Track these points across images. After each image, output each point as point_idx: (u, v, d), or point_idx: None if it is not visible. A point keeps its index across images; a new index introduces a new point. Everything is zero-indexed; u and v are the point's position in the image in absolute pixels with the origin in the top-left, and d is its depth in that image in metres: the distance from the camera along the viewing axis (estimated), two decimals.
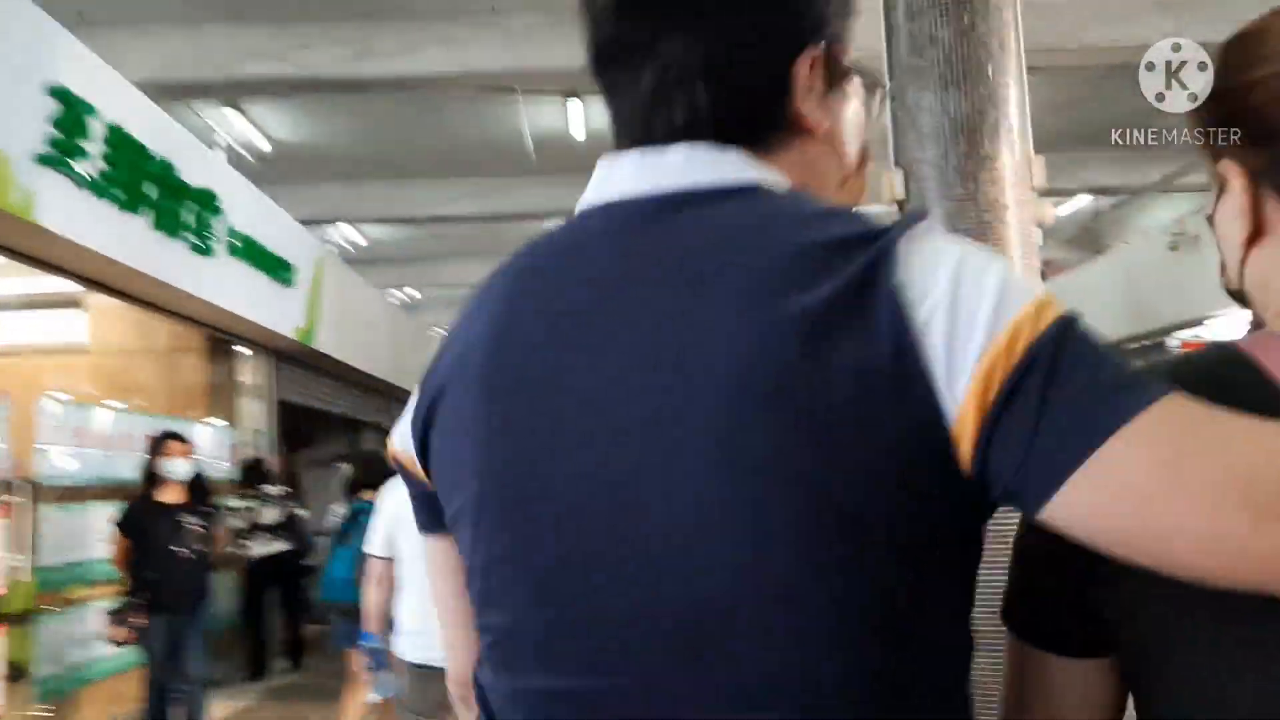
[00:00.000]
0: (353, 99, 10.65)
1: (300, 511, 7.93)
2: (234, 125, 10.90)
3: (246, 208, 6.93)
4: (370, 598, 3.50)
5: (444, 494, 0.77)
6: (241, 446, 8.12)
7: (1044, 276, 9.82)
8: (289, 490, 7.95)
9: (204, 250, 6.18)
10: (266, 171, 11.36)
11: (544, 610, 0.68)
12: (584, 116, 10.84)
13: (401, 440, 0.82)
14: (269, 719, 6.54)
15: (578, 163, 12.30)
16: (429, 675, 3.19)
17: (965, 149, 4.15)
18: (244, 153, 11.24)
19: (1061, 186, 13.13)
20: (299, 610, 8.20)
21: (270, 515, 7.64)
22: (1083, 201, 14.63)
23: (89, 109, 4.79)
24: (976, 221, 4.19)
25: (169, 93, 8.44)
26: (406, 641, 3.37)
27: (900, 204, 4.45)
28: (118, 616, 4.86)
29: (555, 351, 0.69)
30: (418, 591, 3.32)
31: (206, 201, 6.14)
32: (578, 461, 0.66)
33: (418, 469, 0.80)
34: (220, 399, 8.06)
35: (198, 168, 6.08)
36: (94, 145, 4.86)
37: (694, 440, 0.62)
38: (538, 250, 0.80)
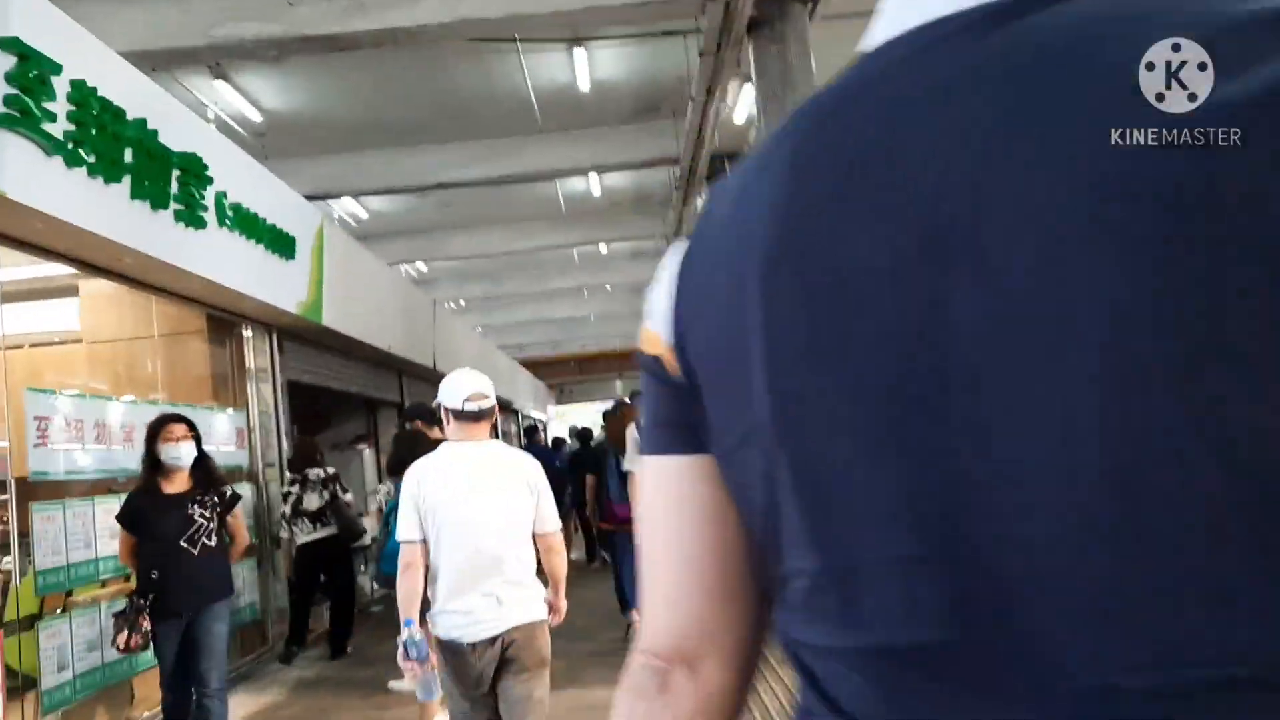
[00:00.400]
0: (345, 62, 10.18)
1: (345, 496, 7.62)
2: (223, 98, 10.47)
3: (237, 176, 6.48)
4: (408, 585, 3.28)
5: (719, 410, 0.64)
6: (250, 430, 7.75)
7: None
8: (333, 474, 7.74)
9: (193, 221, 5.74)
10: (260, 146, 10.92)
11: (901, 542, 0.54)
12: (589, 65, 10.35)
13: (659, 326, 0.69)
14: (296, 714, 6.19)
15: (586, 116, 11.95)
16: (464, 650, 3.17)
17: None
18: (236, 126, 10.81)
19: None
20: (342, 597, 7.88)
21: (314, 500, 7.44)
22: None
23: (52, 65, 4.34)
24: None
25: (153, 63, 8.01)
26: (446, 620, 3.24)
27: None
28: (123, 620, 4.42)
29: (868, 217, 0.55)
30: (453, 570, 3.22)
31: (192, 168, 5.69)
32: (927, 347, 0.53)
33: (675, 365, 0.67)
34: (224, 382, 7.66)
35: (180, 132, 5.61)
36: (60, 106, 4.41)
37: (1107, 288, 0.47)
38: (832, 98, 0.62)
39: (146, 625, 4.38)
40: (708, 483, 0.67)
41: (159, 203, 5.32)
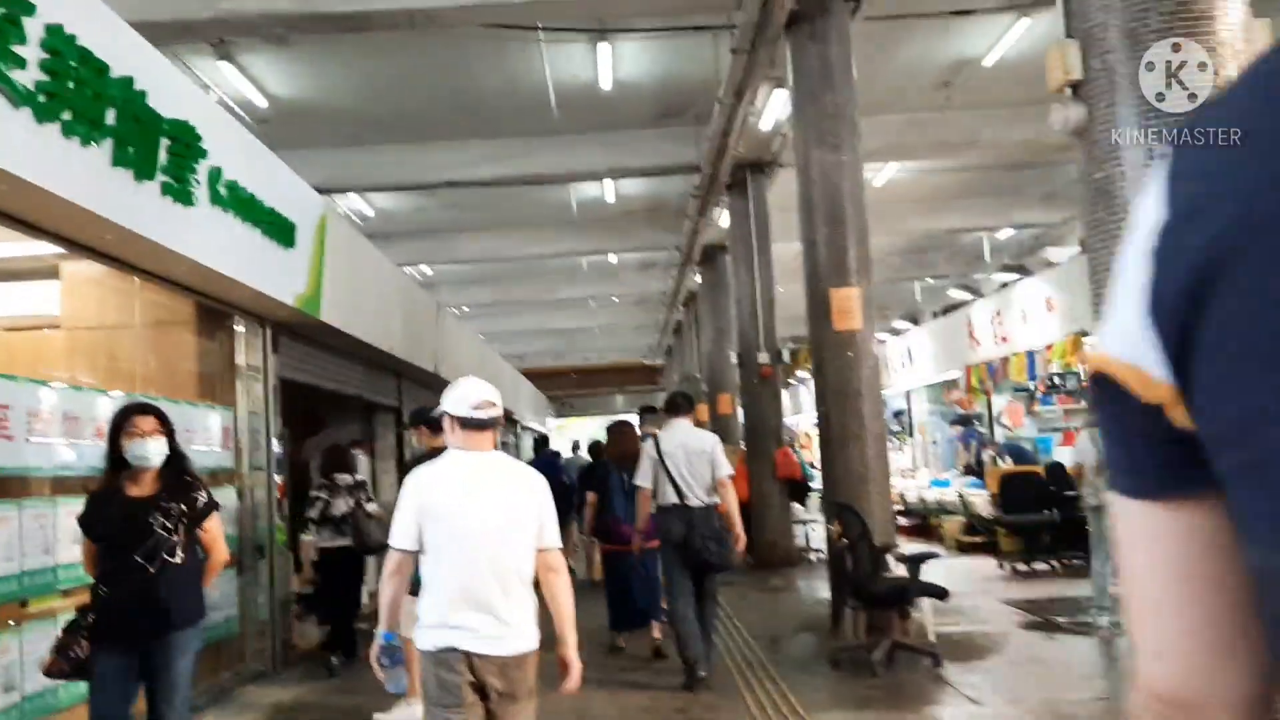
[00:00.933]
0: (356, 48, 9.70)
1: (370, 507, 7.36)
2: (228, 80, 9.97)
3: (235, 152, 5.96)
4: (387, 591, 3.23)
5: (1237, 423, 0.53)
6: (237, 430, 7.19)
7: None
8: (360, 481, 7.58)
9: (182, 197, 5.21)
10: (263, 134, 10.42)
11: None
12: (612, 62, 9.85)
13: (1125, 345, 0.59)
14: None
15: (605, 118, 11.43)
16: (448, 660, 3.05)
17: (1171, 6, 3.12)
18: (239, 111, 10.29)
19: None
20: (344, 610, 7.62)
21: (341, 506, 7.28)
22: None
23: (24, 5, 3.82)
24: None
25: (152, 37, 7.51)
26: (430, 635, 3.13)
27: (1075, 87, 3.42)
28: (62, 641, 3.72)
29: None
30: (452, 581, 3.11)
31: (184, 137, 5.16)
32: None
33: (1153, 390, 0.57)
34: (212, 377, 7.11)
35: (172, 97, 5.10)
36: (31, 52, 3.89)
37: None
38: None
39: (81, 650, 3.66)
40: (1197, 532, 0.61)
41: (144, 173, 4.79)
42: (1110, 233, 3.22)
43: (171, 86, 5.16)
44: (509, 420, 19.16)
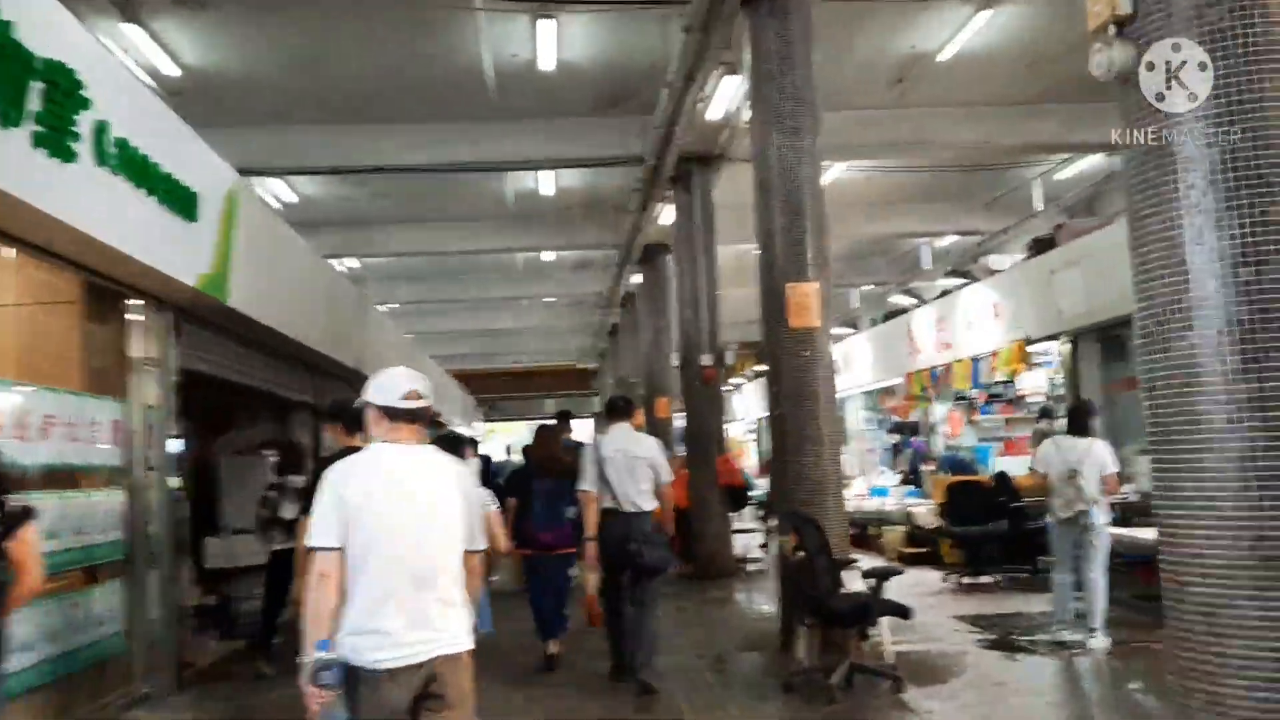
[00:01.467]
0: (280, 16, 8.96)
1: None
2: (134, 45, 9.13)
3: (126, 106, 5.23)
4: (321, 599, 2.85)
5: None
6: (130, 427, 6.42)
7: (1056, 241, 8.20)
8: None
9: (59, 151, 4.49)
10: (175, 107, 9.61)
11: None
12: (555, 41, 9.26)
13: None
14: None
15: (545, 103, 10.74)
16: (380, 679, 2.82)
17: None
18: (147, 81, 9.45)
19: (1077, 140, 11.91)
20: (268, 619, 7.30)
21: (290, 510, 7.01)
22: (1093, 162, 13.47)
23: None
24: (1245, 48, 2.69)
25: None
26: (361, 642, 2.84)
27: (1121, 24, 2.92)
28: None
29: None
30: (376, 583, 2.86)
31: (62, 82, 4.44)
32: None
33: None
34: (102, 365, 6.33)
35: (49, 34, 4.38)
36: None
37: None
38: None
39: None
40: None
41: (8, 118, 4.08)
42: (1163, 196, 2.76)
43: (48, 21, 4.44)
44: (437, 424, 18.40)
